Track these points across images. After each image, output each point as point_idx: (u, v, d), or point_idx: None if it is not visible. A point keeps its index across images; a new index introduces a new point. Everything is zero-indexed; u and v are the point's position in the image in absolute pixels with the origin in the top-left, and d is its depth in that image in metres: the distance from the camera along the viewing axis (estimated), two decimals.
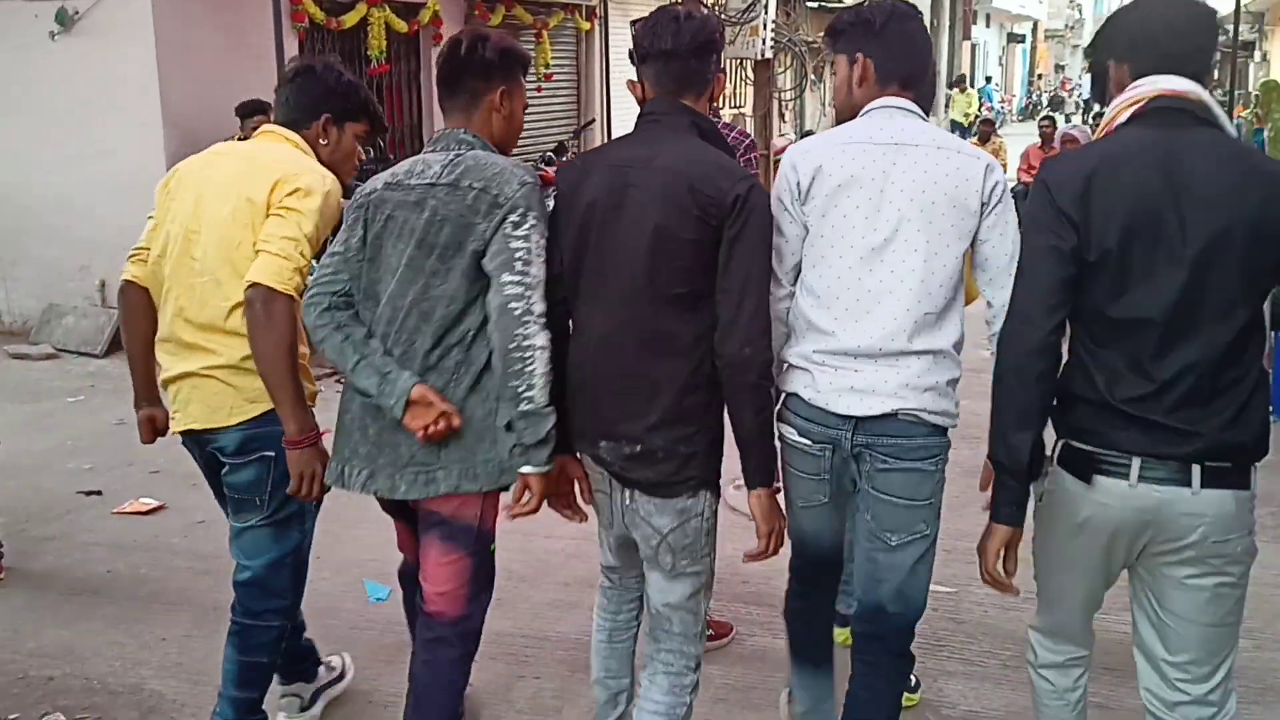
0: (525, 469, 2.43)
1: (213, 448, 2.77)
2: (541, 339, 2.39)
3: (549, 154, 10.70)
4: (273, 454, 2.70)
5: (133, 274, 2.89)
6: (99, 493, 5.13)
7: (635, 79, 2.57)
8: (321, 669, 3.31)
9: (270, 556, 2.82)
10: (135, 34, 7.36)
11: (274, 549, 2.82)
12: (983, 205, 2.42)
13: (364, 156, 2.99)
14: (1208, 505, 2.14)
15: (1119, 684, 3.19)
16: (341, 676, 3.37)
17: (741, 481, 2.50)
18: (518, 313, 2.38)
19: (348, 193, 2.79)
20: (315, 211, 2.65)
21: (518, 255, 2.41)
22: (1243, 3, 11.16)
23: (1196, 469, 2.13)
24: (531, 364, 2.37)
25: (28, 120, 7.73)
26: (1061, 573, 2.38)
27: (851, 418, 2.43)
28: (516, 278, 2.39)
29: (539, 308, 2.41)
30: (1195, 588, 2.23)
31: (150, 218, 2.91)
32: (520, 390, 2.37)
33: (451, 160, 2.52)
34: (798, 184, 2.50)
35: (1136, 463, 2.16)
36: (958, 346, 2.47)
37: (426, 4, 9.88)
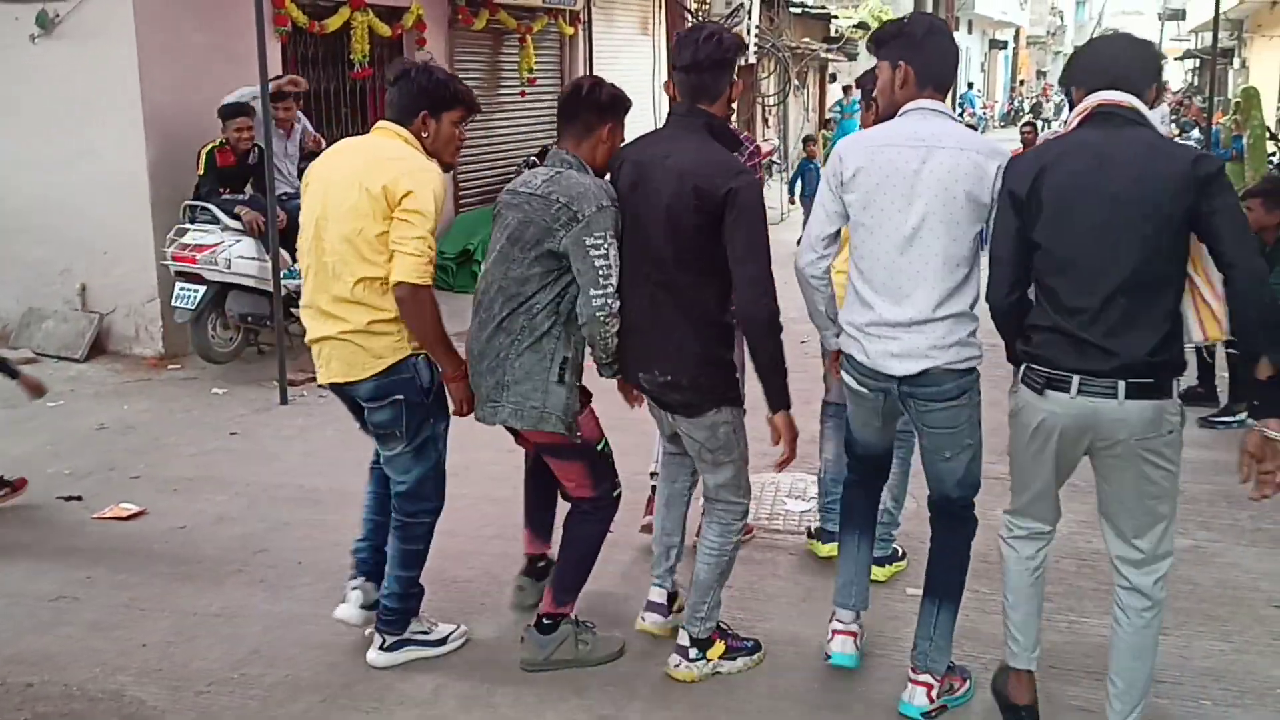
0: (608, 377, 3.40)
1: (354, 395, 3.41)
2: (614, 324, 3.20)
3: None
4: (402, 398, 3.36)
5: None
6: (79, 498, 5.10)
7: (670, 81, 3.33)
8: (415, 623, 3.59)
9: (417, 473, 3.48)
10: (117, 37, 7.29)
11: (417, 467, 3.47)
12: (993, 199, 2.96)
13: (464, 138, 3.47)
14: (1129, 413, 2.74)
15: (1099, 686, 3.20)
16: (442, 642, 3.63)
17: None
18: (603, 317, 3.17)
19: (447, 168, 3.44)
20: (429, 209, 3.21)
21: (600, 270, 3.14)
22: (1222, 10, 11.25)
23: (1121, 384, 2.71)
24: (610, 344, 3.23)
25: (9, 122, 7.67)
26: (1025, 467, 3.01)
27: (896, 376, 3.06)
28: (601, 290, 3.15)
29: (615, 304, 3.18)
30: (1124, 473, 2.85)
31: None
32: (601, 356, 3.28)
33: (552, 176, 3.23)
34: (841, 173, 3.09)
35: (1076, 379, 2.76)
36: (973, 305, 3.06)
37: (410, 8, 9.86)
